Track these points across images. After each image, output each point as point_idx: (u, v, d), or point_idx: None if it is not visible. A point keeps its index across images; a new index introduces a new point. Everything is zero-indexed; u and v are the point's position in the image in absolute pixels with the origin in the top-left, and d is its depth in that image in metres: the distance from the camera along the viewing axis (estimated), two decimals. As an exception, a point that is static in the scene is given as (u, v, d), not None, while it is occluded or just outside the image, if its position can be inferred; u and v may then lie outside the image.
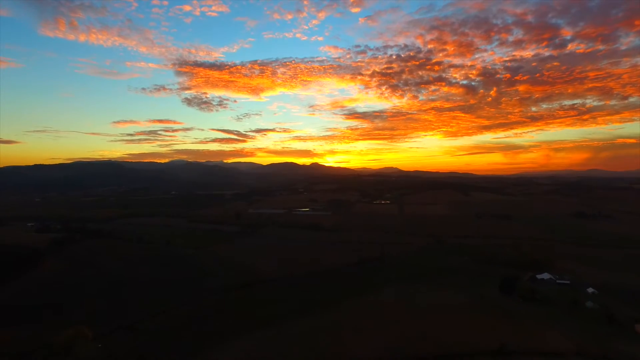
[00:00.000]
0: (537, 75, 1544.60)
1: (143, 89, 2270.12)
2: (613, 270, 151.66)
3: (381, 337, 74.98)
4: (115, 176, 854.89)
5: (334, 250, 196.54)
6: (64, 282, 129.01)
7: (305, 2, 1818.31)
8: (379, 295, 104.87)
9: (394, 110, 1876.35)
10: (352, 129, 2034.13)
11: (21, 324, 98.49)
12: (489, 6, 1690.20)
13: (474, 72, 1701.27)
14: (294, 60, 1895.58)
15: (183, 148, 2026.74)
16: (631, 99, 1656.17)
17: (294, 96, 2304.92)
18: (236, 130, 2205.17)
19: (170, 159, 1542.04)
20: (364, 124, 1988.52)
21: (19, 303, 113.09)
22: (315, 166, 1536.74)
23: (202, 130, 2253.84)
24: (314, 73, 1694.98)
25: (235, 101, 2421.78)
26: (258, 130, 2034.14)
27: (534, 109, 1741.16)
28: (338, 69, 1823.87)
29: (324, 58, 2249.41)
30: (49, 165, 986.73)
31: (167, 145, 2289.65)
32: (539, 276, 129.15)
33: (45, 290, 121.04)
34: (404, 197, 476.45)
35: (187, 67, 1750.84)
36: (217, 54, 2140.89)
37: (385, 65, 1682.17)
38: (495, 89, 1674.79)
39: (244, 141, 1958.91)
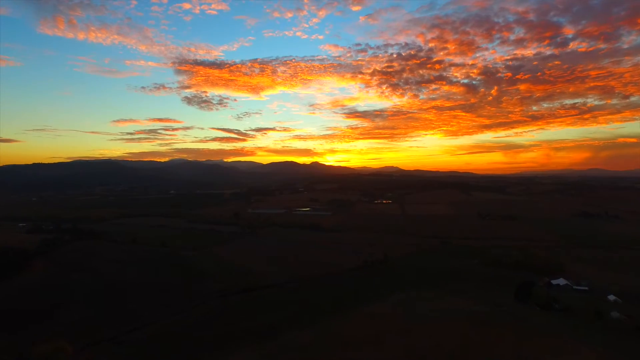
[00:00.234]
0: (539, 74, 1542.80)
1: (143, 87, 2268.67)
2: (628, 274, 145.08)
3: (390, 351, 67.89)
4: (115, 175, 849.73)
5: (336, 252, 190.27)
6: (50, 287, 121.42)
7: (305, 1, 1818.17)
8: (385, 303, 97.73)
9: (395, 109, 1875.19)
10: (352, 128, 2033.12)
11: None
12: (490, 4, 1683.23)
13: (474, 71, 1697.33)
14: (294, 58, 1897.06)
15: (183, 147, 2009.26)
16: (632, 98, 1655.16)
17: (294, 95, 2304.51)
18: (236, 129, 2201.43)
19: (170, 158, 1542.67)
20: (365, 123, 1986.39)
21: None
22: (315, 165, 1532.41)
23: (202, 129, 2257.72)
24: (314, 72, 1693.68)
25: (235, 100, 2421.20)
26: (258, 129, 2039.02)
27: (534, 108, 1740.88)
28: (338, 67, 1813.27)
29: (325, 56, 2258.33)
30: (48, 164, 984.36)
31: (167, 144, 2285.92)
32: (554, 282, 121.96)
33: (29, 296, 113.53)
34: (405, 197, 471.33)
35: (187, 65, 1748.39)
36: (217, 53, 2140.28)
37: (386, 64, 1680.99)
38: (496, 87, 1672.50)
39: (244, 140, 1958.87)
